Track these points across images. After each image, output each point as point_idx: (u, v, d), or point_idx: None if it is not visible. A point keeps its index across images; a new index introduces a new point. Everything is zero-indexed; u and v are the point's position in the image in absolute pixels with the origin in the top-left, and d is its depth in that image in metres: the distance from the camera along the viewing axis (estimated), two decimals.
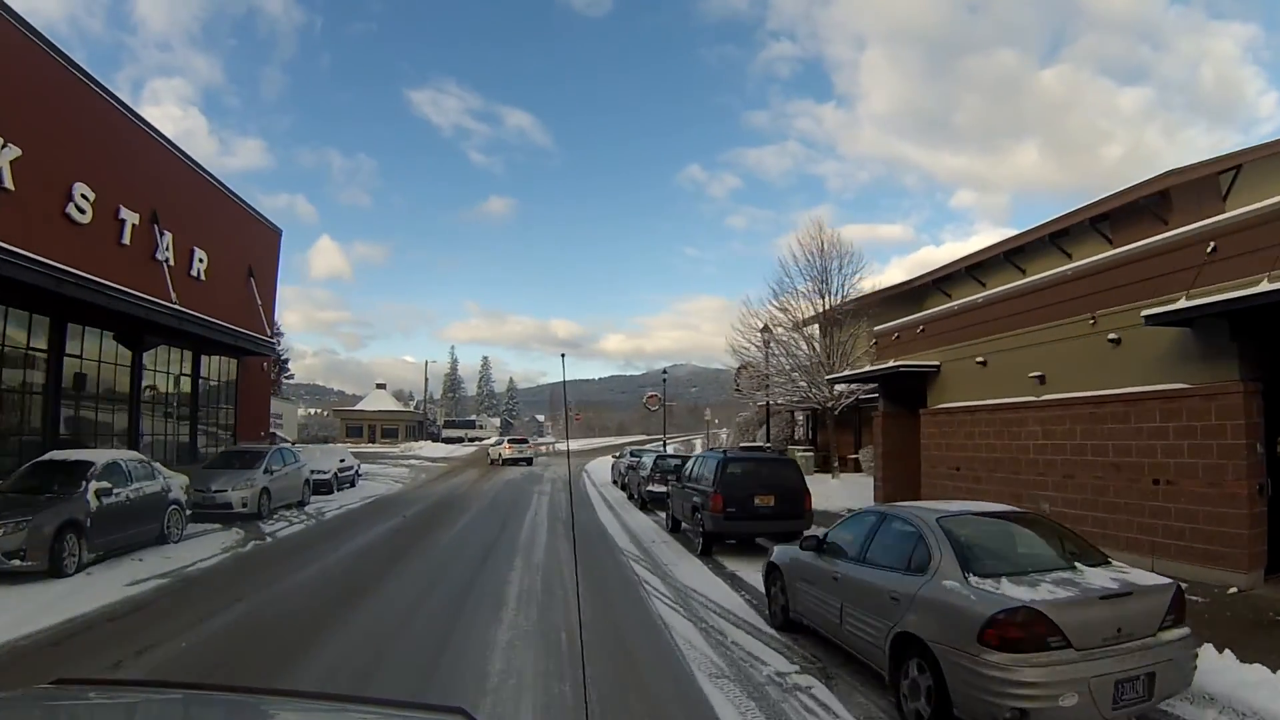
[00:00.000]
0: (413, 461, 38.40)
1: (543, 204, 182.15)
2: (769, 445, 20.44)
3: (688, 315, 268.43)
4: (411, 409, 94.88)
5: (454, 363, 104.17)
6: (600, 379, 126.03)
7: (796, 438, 29.76)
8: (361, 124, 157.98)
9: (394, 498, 19.77)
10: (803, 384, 21.78)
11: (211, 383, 19.47)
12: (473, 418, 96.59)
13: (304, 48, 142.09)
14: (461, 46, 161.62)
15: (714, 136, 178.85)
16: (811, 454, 25.81)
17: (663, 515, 14.69)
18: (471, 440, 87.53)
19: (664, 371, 36.65)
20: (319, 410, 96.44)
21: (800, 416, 29.75)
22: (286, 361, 79.64)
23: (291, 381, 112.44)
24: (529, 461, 34.23)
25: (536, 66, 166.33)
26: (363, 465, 28.39)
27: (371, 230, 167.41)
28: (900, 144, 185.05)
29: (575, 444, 59.51)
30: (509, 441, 35.65)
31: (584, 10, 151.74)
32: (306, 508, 16.29)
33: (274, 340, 20.01)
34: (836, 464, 22.72)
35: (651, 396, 37.44)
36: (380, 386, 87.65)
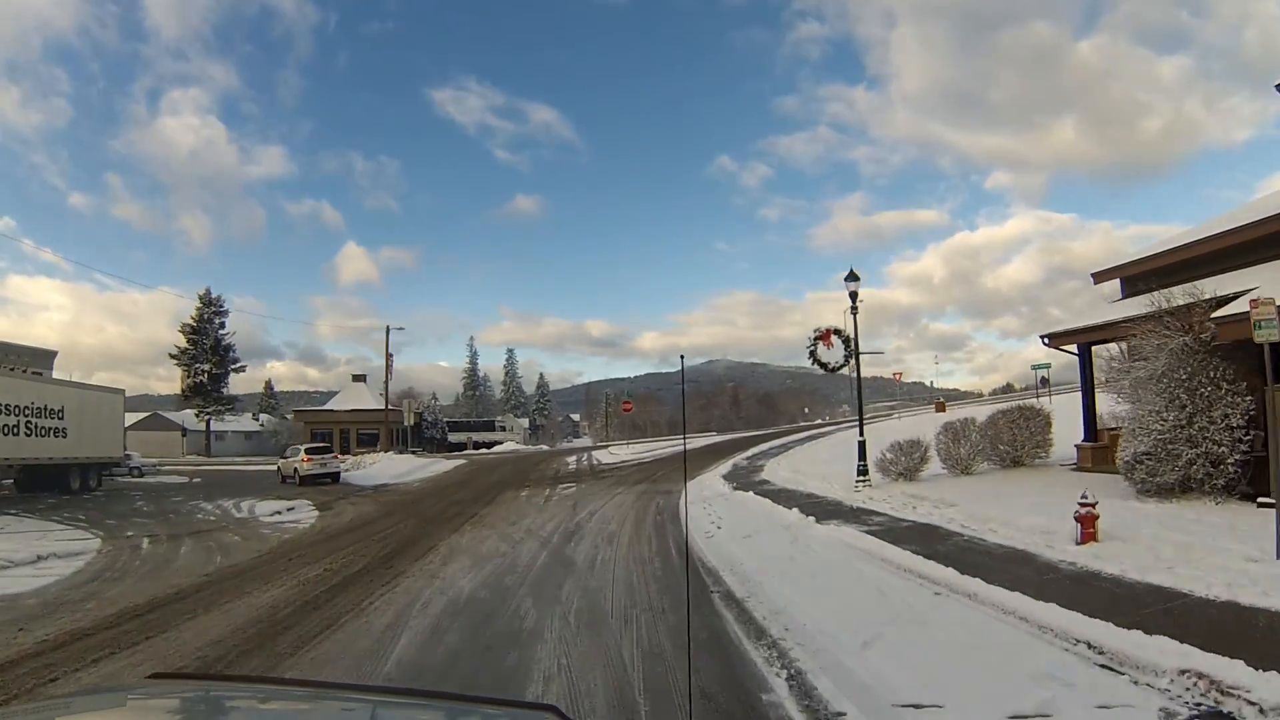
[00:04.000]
0: (261, 514, 15.88)
1: (571, 202, 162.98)
2: None
3: (722, 310, 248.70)
4: (414, 408, 73.92)
5: (473, 356, 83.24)
6: (635, 377, 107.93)
7: None
8: (383, 126, 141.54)
9: None
10: None
11: None
12: (496, 419, 75.70)
13: (321, 50, 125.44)
14: (480, 41, 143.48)
15: (744, 125, 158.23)
16: None
17: None
18: (480, 446, 65.56)
19: (853, 290, 13.19)
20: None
21: None
22: (231, 352, 58.64)
23: (292, 391, 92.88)
24: (335, 478, 24.17)
25: (558, 58, 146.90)
26: None
27: (399, 235, 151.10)
28: (934, 125, 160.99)
29: (626, 451, 36.07)
30: (307, 452, 25.03)
31: None
32: None
33: None
34: None
35: (826, 335, 14.23)
36: (358, 379, 66.06)
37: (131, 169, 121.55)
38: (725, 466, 22.31)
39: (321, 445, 28.46)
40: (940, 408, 39.01)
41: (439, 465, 30.89)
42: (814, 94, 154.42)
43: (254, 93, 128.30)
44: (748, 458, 24.90)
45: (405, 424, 39.80)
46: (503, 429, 72.85)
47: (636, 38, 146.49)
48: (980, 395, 64.89)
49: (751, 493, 14.56)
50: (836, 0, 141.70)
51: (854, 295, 14.65)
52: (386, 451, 38.71)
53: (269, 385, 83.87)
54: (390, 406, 39.68)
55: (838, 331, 14.47)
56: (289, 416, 73.85)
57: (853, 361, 14.54)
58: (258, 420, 75.70)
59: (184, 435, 67.14)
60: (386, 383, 39.22)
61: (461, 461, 33.03)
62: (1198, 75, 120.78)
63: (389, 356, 38.86)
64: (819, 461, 20.34)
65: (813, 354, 14.51)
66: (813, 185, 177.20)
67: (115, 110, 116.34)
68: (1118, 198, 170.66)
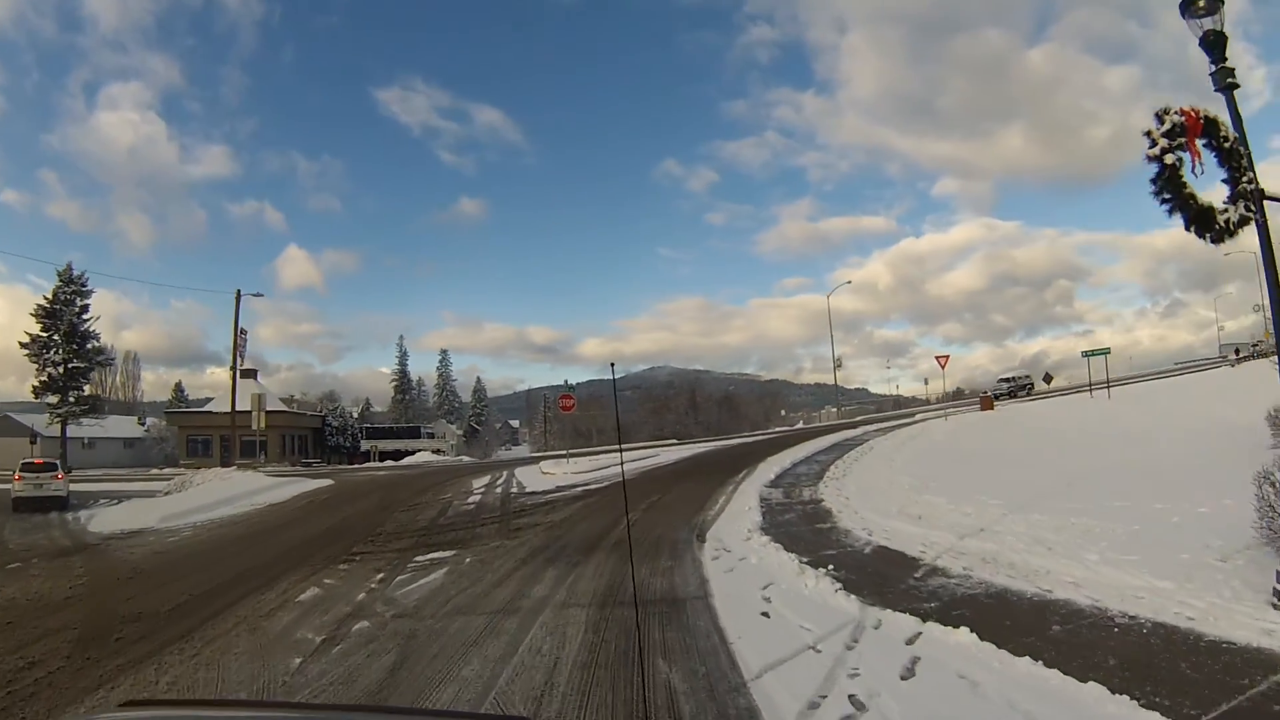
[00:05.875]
0: None
1: (516, 205, 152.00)
2: None
3: (666, 316, 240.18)
4: (314, 412, 61.67)
5: (403, 357, 72.64)
6: (579, 383, 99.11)
7: None
8: (327, 125, 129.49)
9: None
10: None
11: None
12: (426, 425, 64.60)
13: (265, 46, 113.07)
14: (427, 40, 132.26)
15: (691, 129, 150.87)
16: None
17: None
18: (387, 457, 53.80)
19: (1212, 30, 3.14)
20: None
21: None
22: (92, 342, 44.31)
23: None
24: (61, 505, 18.35)
25: (505, 58, 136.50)
26: None
27: (342, 237, 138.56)
28: (883, 131, 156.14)
29: (565, 469, 25.09)
30: (21, 469, 19.11)
31: None
32: None
33: None
34: None
35: (1193, 128, 4.24)
36: (248, 376, 53.48)
37: (68, 165, 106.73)
38: (748, 502, 12.07)
39: (42, 461, 20.53)
40: (987, 404, 30.33)
41: (280, 491, 19.90)
42: (762, 98, 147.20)
43: (196, 89, 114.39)
44: (771, 485, 14.76)
45: (254, 427, 28.28)
46: (430, 436, 62.14)
47: (586, 37, 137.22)
48: (927, 401, 58.65)
49: (999, 646, 4.43)
50: (788, 4, 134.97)
51: (1217, 44, 4.67)
52: (230, 466, 27.41)
53: (179, 388, 70.32)
54: (294, 406, 28.25)
55: (1212, 124, 4.51)
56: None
57: (1244, 207, 4.54)
58: (143, 425, 61.56)
59: (33, 442, 52.13)
60: (234, 374, 27.74)
61: (324, 484, 21.95)
62: (1144, 85, 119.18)
63: (238, 333, 27.47)
64: (914, 492, 10.47)
65: (1165, 177, 4.45)
66: (759, 191, 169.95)
67: (51, 104, 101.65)
68: (1063, 205, 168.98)
